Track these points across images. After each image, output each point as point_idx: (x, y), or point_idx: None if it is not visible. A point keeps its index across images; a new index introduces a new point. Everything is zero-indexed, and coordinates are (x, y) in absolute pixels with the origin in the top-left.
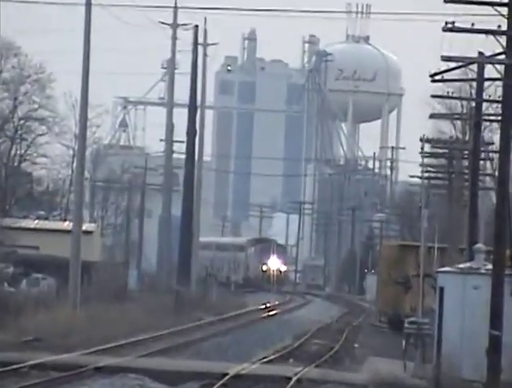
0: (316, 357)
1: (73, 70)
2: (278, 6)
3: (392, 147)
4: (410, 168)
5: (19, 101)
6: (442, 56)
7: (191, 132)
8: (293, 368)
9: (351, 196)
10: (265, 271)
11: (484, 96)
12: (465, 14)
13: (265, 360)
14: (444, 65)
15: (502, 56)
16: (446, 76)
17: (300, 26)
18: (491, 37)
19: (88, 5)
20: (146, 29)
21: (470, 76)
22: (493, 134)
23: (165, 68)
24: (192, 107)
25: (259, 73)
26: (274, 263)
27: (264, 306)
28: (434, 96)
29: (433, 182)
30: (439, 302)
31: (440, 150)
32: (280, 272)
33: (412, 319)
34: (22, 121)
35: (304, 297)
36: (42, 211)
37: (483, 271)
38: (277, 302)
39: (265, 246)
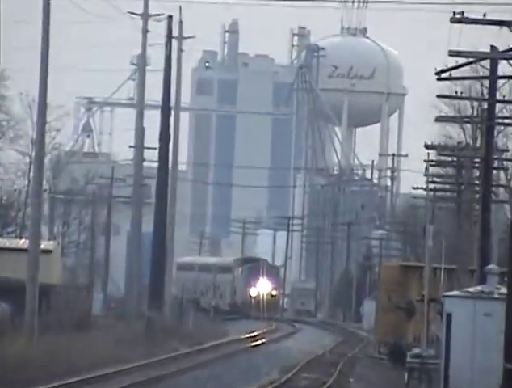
0: None
1: (31, 68)
2: None
3: (393, 154)
4: (413, 178)
5: None
6: (449, 51)
7: (165, 137)
8: None
9: (346, 209)
10: (253, 296)
11: (498, 96)
12: (476, 4)
13: None
14: (452, 61)
15: None
16: (455, 73)
17: (289, 17)
18: (505, 29)
19: None
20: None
21: (481, 73)
22: (507, 139)
23: (134, 64)
24: (166, 109)
25: (242, 71)
26: (264, 287)
27: (247, 336)
28: (440, 96)
29: (439, 194)
30: (446, 331)
31: (447, 158)
32: (272, 296)
33: (415, 352)
34: None
35: (292, 324)
36: None
37: (496, 295)
38: (262, 331)
39: (253, 266)
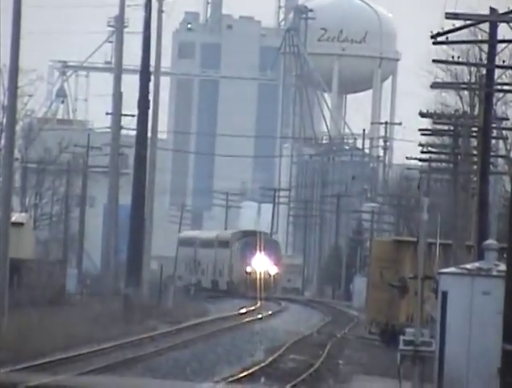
0: (292, 376)
1: (1, 30)
2: None
3: (386, 123)
4: (407, 148)
5: None
6: (446, 14)
7: (144, 103)
8: None
9: (336, 181)
10: (249, 273)
11: (497, 61)
12: None
13: (231, 379)
14: (449, 24)
15: None
16: (451, 37)
17: None
18: None
19: None
20: None
21: (480, 37)
22: (507, 107)
23: (112, 26)
24: (145, 74)
25: (226, 33)
26: (262, 264)
27: (230, 314)
28: (436, 61)
29: (434, 165)
30: (442, 310)
31: (443, 127)
32: (269, 275)
33: (408, 338)
34: None
35: (278, 302)
36: None
37: (495, 273)
38: (246, 310)
39: (249, 241)
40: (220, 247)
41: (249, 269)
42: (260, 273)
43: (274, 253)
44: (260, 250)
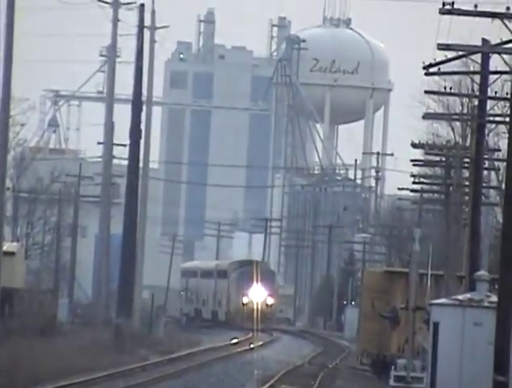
0: None
1: None
2: None
3: (378, 153)
4: (399, 179)
5: None
6: (438, 45)
7: (136, 133)
8: None
9: (328, 211)
10: (245, 304)
11: (489, 92)
12: None
13: None
14: (441, 55)
15: (511, 45)
16: (444, 68)
17: (268, 6)
18: (498, 22)
19: None
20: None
21: (472, 68)
22: (499, 139)
23: (104, 56)
24: (137, 103)
25: (218, 63)
26: (258, 295)
27: (222, 344)
28: (428, 92)
29: (426, 196)
30: (433, 341)
31: (435, 158)
32: (267, 305)
33: (399, 373)
34: None
35: (270, 333)
36: None
37: (486, 304)
38: (238, 340)
39: (245, 271)
40: (219, 278)
41: (245, 300)
42: (257, 304)
43: (271, 283)
44: (257, 281)
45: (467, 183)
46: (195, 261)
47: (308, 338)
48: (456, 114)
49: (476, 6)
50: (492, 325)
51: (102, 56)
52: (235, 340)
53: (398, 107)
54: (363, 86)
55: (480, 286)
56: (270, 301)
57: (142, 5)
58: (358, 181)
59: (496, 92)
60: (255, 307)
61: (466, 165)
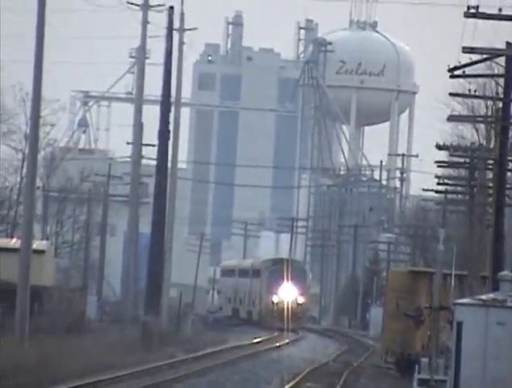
0: None
1: (24, 59)
2: None
3: (403, 155)
4: (424, 180)
5: None
6: (463, 48)
7: (164, 133)
8: None
9: (353, 212)
10: (276, 303)
11: None
12: None
13: None
14: (466, 58)
15: None
16: (468, 71)
17: (295, 9)
18: None
19: None
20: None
21: (496, 71)
22: None
23: (133, 57)
24: (166, 104)
25: (246, 65)
26: (289, 294)
27: (248, 343)
28: (452, 94)
29: (451, 197)
30: (457, 340)
31: (460, 159)
32: (298, 304)
33: (423, 376)
34: None
35: (296, 331)
36: None
37: (509, 303)
38: (264, 338)
39: (276, 269)
40: (254, 276)
41: (276, 299)
42: (287, 303)
43: (302, 282)
44: (287, 280)
45: (490, 184)
46: (234, 260)
47: (333, 336)
48: (480, 116)
49: (500, 9)
50: None
51: (131, 57)
52: (257, 339)
53: (423, 109)
54: (389, 88)
55: (503, 286)
56: (301, 300)
57: (171, 7)
58: (384, 182)
59: None
60: (285, 306)
61: (490, 166)
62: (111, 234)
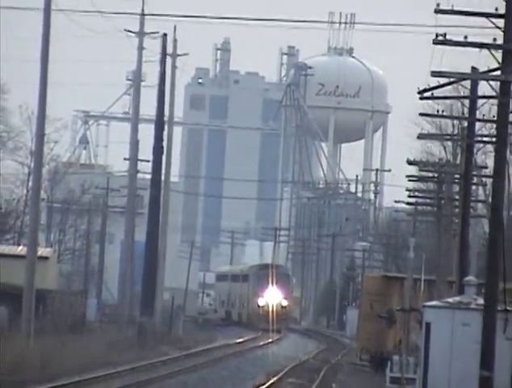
0: None
1: (30, 80)
2: (254, 15)
3: (377, 170)
4: (396, 193)
5: None
6: (432, 72)
7: (158, 150)
8: None
9: (331, 222)
10: (262, 306)
11: (478, 115)
12: (458, 26)
13: None
14: (434, 81)
15: (497, 72)
16: (437, 93)
17: (278, 36)
18: (485, 51)
19: (47, 10)
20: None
21: (462, 93)
22: (486, 157)
23: (130, 80)
24: (159, 123)
25: (233, 87)
26: (273, 297)
27: (234, 342)
28: (422, 114)
29: (420, 208)
30: (425, 339)
31: (429, 174)
32: (282, 307)
33: (394, 375)
34: None
35: (279, 331)
36: None
37: (474, 306)
38: (249, 337)
39: (262, 274)
40: (243, 281)
41: (261, 302)
42: (272, 306)
43: (286, 285)
44: (272, 284)
45: (457, 197)
46: (227, 266)
47: (313, 336)
48: (448, 134)
49: (466, 37)
50: (479, 325)
51: (128, 80)
52: (240, 339)
53: (395, 127)
54: (364, 108)
55: (468, 290)
56: (285, 303)
57: (165, 34)
58: (359, 194)
59: (484, 115)
60: (270, 309)
61: (456, 180)
62: (110, 242)
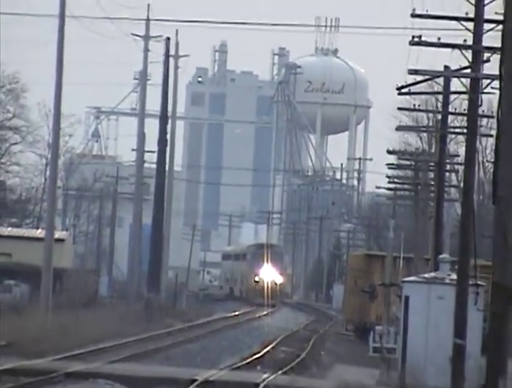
0: (283, 364)
1: (47, 81)
2: (248, 19)
3: (360, 158)
4: (377, 179)
5: None
6: (408, 70)
7: (162, 142)
8: (261, 374)
9: (319, 206)
10: (257, 282)
11: (450, 109)
12: (432, 29)
13: (233, 366)
14: (411, 79)
15: (468, 70)
16: (413, 89)
17: (270, 39)
18: (457, 51)
19: (62, 16)
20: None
21: (436, 89)
22: (458, 146)
23: (137, 79)
24: (163, 118)
25: (230, 85)
26: (268, 274)
27: (232, 314)
28: (400, 109)
29: (399, 193)
30: (404, 311)
31: (406, 162)
32: (276, 284)
33: (376, 345)
34: None
35: (273, 305)
36: (15, 219)
37: (447, 281)
38: (245, 310)
39: (257, 252)
40: (243, 260)
41: (257, 279)
42: (267, 282)
43: (280, 263)
44: (267, 262)
45: (432, 182)
46: (232, 246)
47: (303, 309)
48: (423, 127)
49: (439, 38)
50: (452, 298)
51: (135, 79)
52: (236, 312)
53: (376, 120)
54: (348, 103)
55: (442, 267)
56: (279, 279)
57: (168, 38)
58: (344, 181)
59: (455, 109)
60: (265, 285)
61: (431, 168)
62: (119, 226)
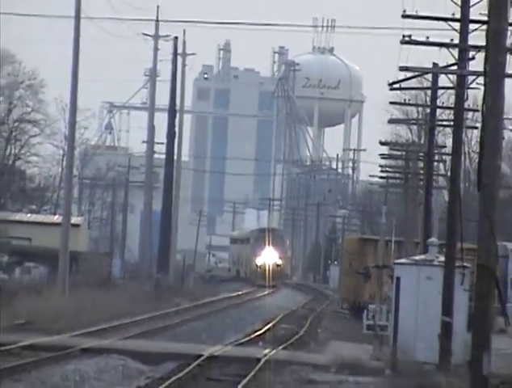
0: (283, 340)
1: (64, 77)
2: (250, 20)
3: (354, 149)
4: (370, 168)
5: (14, 105)
6: (399, 67)
7: (171, 134)
8: (262, 350)
9: (316, 193)
10: (259, 265)
11: (438, 103)
12: (421, 29)
13: (236, 342)
14: (402, 75)
15: (454, 67)
16: (404, 85)
17: (271, 38)
18: (444, 49)
19: (77, 17)
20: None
21: (425, 85)
22: (445, 138)
23: (147, 75)
24: (172, 112)
25: (233, 81)
26: (270, 256)
27: (235, 294)
28: (392, 103)
29: (391, 181)
30: (396, 291)
31: (397, 152)
32: (277, 265)
33: (369, 322)
34: (16, 123)
35: (273, 286)
36: (34, 205)
37: (436, 263)
38: (247, 290)
39: (259, 236)
40: (247, 243)
41: (258, 261)
42: (268, 265)
43: (281, 246)
44: (269, 245)
45: (421, 171)
46: (237, 231)
47: (302, 289)
48: (413, 119)
49: (428, 37)
50: (440, 279)
51: (145, 75)
52: (238, 293)
53: (370, 114)
54: (343, 98)
55: (431, 249)
56: (280, 262)
57: (176, 37)
58: (339, 170)
59: (443, 103)
60: (267, 268)
61: (420, 158)
62: (131, 212)
